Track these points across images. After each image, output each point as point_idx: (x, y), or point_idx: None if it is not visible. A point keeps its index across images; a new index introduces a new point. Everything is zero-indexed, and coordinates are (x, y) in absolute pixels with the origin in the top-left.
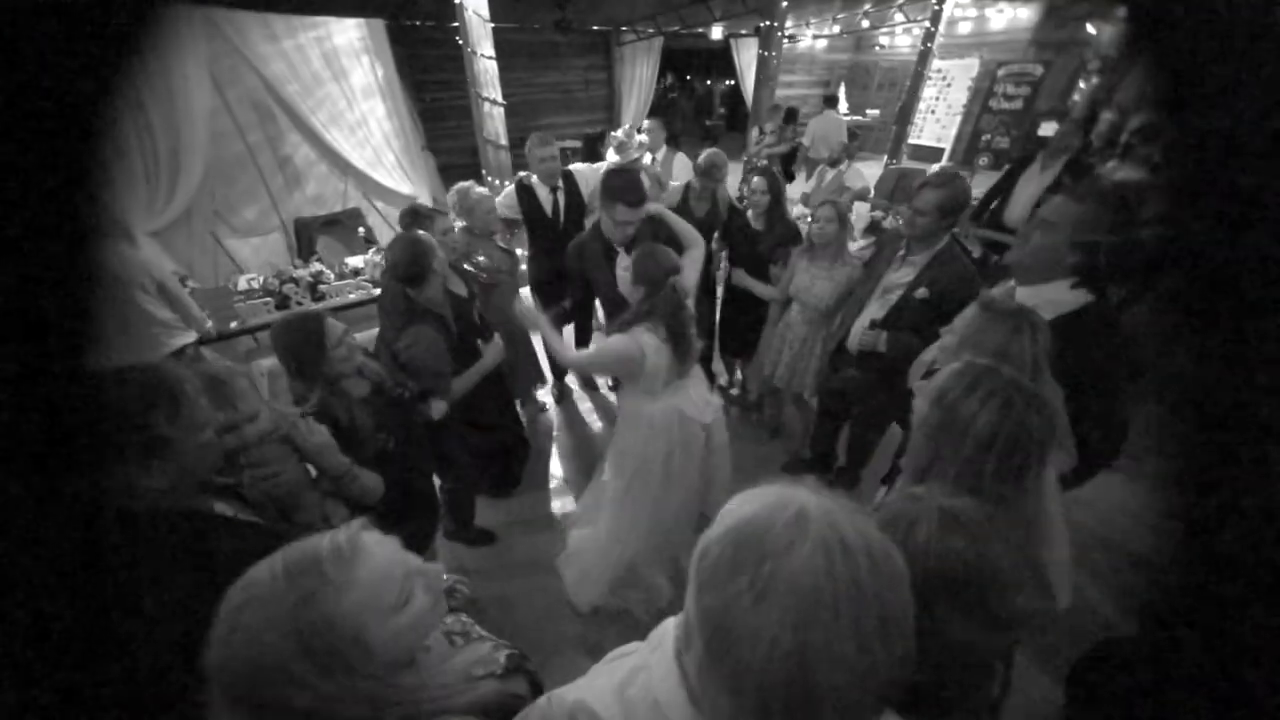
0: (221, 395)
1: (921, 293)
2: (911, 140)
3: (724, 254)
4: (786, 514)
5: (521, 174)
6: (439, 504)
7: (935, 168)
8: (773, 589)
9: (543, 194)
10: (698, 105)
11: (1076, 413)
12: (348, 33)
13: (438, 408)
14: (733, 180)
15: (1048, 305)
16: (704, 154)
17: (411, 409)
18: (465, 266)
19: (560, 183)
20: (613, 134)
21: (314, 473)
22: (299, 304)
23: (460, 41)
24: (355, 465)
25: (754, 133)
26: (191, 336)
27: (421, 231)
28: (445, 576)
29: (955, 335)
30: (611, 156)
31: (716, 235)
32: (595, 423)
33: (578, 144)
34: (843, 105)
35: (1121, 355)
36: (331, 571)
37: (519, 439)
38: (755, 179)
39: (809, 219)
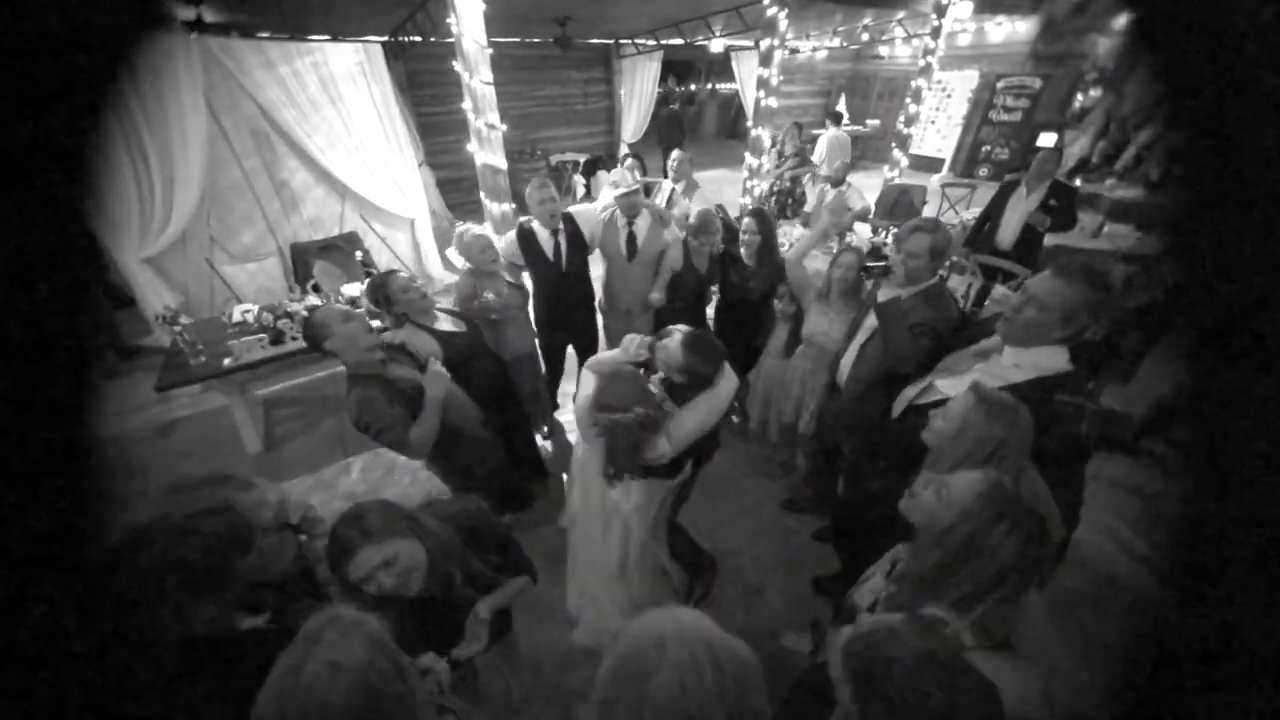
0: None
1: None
2: (912, 150)
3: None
4: (646, 644)
5: (522, 219)
6: None
7: (935, 179)
8: (643, 712)
9: (543, 236)
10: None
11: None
12: (345, 57)
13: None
14: (732, 191)
15: (1030, 367)
16: (694, 214)
17: None
18: (475, 304)
19: (561, 224)
20: (612, 176)
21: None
22: (293, 339)
23: (458, 68)
24: None
25: (771, 154)
26: None
27: (338, 307)
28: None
29: (953, 423)
30: (608, 193)
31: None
32: None
33: (579, 158)
34: (843, 115)
35: (1082, 429)
36: (347, 616)
37: (529, 453)
38: (747, 220)
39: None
